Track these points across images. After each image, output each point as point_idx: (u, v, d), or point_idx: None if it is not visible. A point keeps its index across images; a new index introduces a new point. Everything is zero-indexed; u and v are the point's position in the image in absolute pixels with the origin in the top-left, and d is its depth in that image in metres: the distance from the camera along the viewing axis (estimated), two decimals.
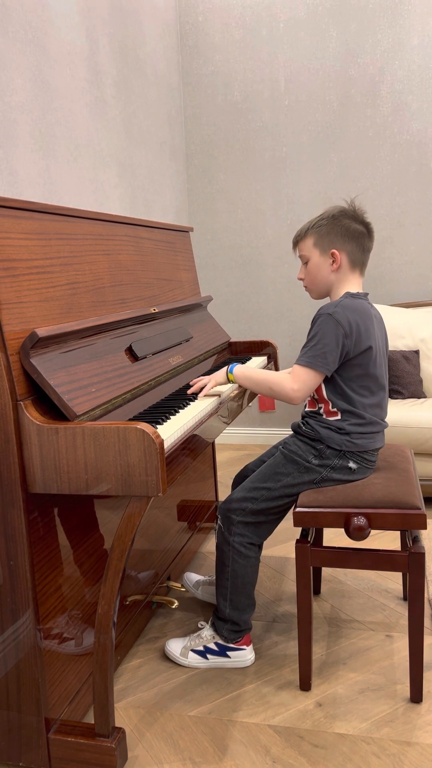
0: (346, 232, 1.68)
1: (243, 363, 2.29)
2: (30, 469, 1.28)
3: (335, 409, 1.67)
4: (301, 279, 1.78)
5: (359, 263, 1.72)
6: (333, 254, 1.68)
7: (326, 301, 1.75)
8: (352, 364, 1.64)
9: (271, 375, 1.70)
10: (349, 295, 1.68)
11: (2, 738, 1.43)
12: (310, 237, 1.72)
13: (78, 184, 2.49)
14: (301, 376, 1.62)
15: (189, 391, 1.77)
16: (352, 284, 1.71)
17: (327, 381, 1.67)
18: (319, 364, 1.60)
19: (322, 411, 1.70)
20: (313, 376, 1.62)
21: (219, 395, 1.78)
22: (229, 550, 1.72)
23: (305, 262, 1.75)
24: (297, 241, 1.77)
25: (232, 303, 3.84)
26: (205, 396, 1.76)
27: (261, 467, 1.77)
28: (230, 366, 1.81)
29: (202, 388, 1.78)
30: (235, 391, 1.91)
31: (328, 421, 1.68)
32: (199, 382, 1.80)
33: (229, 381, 1.80)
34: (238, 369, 1.79)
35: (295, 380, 1.63)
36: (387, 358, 1.77)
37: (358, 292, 1.70)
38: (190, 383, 1.83)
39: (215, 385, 1.80)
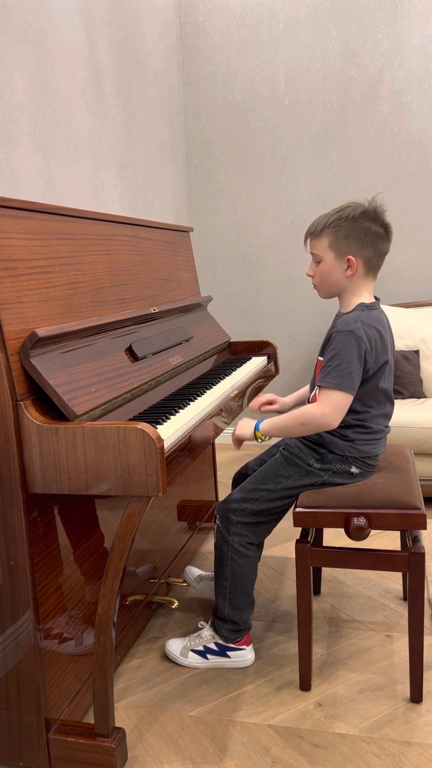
0: (365, 236, 1.58)
1: (243, 363, 2.29)
2: (30, 469, 1.28)
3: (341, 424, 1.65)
4: (310, 275, 1.69)
5: (375, 268, 1.64)
6: (349, 260, 1.60)
7: (334, 302, 1.71)
8: (368, 382, 1.60)
9: (297, 413, 1.60)
10: (363, 306, 1.61)
11: (2, 738, 1.43)
12: (326, 236, 1.61)
13: (78, 184, 2.49)
14: (331, 398, 1.54)
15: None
16: (365, 291, 1.64)
17: None
18: (347, 384, 1.53)
19: None
20: (342, 397, 1.54)
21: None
22: (227, 550, 1.72)
23: (317, 261, 1.66)
24: (309, 237, 1.66)
25: (232, 303, 3.84)
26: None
27: (261, 468, 1.77)
28: (257, 423, 1.72)
29: (206, 385, 1.75)
30: (235, 392, 1.91)
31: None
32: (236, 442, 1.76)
33: (257, 438, 1.72)
34: (265, 424, 1.70)
35: (324, 404, 1.54)
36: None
37: (372, 303, 1.64)
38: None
39: (239, 439, 1.75)
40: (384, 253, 1.64)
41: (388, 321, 1.68)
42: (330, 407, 1.54)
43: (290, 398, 1.95)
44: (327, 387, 1.55)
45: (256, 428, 1.70)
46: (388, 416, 1.70)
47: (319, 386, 1.57)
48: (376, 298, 1.69)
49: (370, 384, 1.61)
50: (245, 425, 1.74)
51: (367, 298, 1.65)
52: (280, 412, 1.86)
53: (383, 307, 3.27)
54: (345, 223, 1.59)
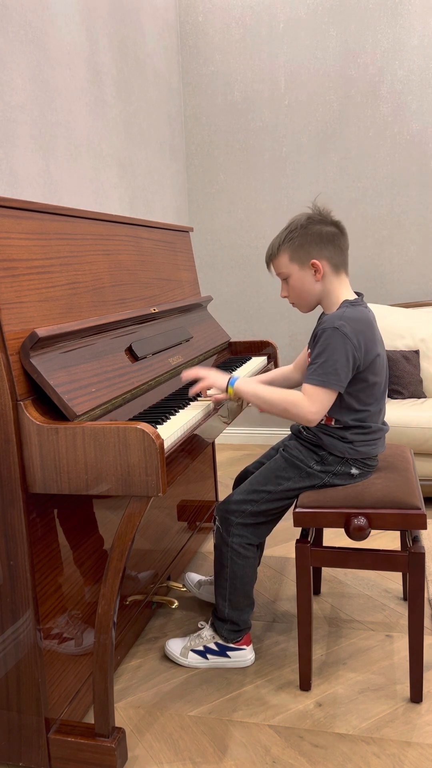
0: (320, 238, 1.60)
1: (243, 364, 2.28)
2: (30, 469, 1.28)
3: (338, 425, 1.65)
4: (285, 297, 1.70)
5: (342, 265, 1.64)
6: (313, 264, 1.61)
7: (319, 311, 1.71)
8: (359, 378, 1.59)
9: (287, 395, 1.59)
10: (348, 303, 1.61)
11: (2, 738, 1.43)
12: (284, 253, 1.64)
13: (78, 184, 2.49)
14: (318, 396, 1.53)
15: (190, 391, 1.71)
16: (342, 288, 1.64)
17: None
18: (333, 381, 1.53)
19: (323, 421, 1.67)
20: (328, 395, 1.54)
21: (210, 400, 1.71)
22: (227, 550, 1.71)
23: (284, 279, 1.67)
24: (270, 261, 1.69)
25: (232, 303, 3.84)
26: (200, 400, 1.68)
27: (261, 469, 1.76)
28: (231, 378, 1.68)
29: (196, 381, 1.71)
30: None
31: (330, 429, 1.66)
32: (192, 372, 1.71)
33: (227, 393, 1.69)
34: (242, 384, 1.66)
35: (312, 402, 1.54)
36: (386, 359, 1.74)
37: (355, 299, 1.64)
38: (182, 377, 1.74)
39: (209, 386, 1.70)
40: (345, 248, 1.65)
41: (374, 316, 1.66)
42: (317, 405, 1.54)
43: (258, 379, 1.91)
44: (313, 384, 1.54)
45: (231, 384, 1.67)
46: (383, 412, 1.70)
47: (306, 383, 1.56)
48: (359, 294, 1.68)
49: (364, 379, 1.60)
50: (219, 375, 1.70)
51: (347, 295, 1.64)
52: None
53: (383, 307, 3.28)
54: (296, 234, 1.62)
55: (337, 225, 1.64)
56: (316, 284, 1.63)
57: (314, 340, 1.62)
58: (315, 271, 1.62)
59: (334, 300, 1.64)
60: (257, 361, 2.36)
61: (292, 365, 1.92)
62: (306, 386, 1.56)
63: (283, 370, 1.93)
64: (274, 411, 1.60)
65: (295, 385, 1.93)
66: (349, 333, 1.53)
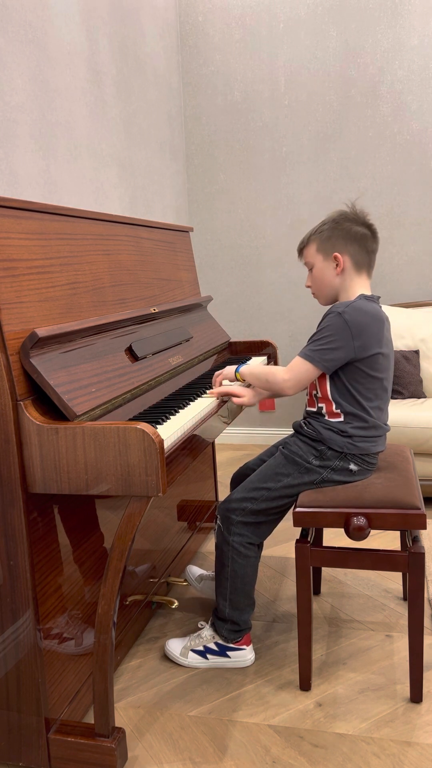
0: (348, 234, 1.67)
1: (244, 363, 2.29)
2: (30, 469, 1.28)
3: (338, 410, 1.66)
4: (308, 287, 1.78)
5: (365, 265, 1.70)
6: (335, 257, 1.68)
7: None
8: (360, 368, 1.62)
9: (268, 368, 1.73)
10: (363, 297, 1.66)
11: (2, 738, 1.43)
12: (313, 243, 1.72)
13: (78, 184, 2.49)
14: (296, 368, 1.63)
15: (210, 392, 1.81)
16: (360, 287, 1.69)
17: (333, 381, 1.65)
18: (317, 359, 1.60)
19: (324, 411, 1.68)
20: (307, 369, 1.62)
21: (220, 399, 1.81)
22: (228, 550, 1.72)
23: (310, 269, 1.75)
24: (301, 249, 1.77)
25: (232, 303, 3.84)
26: (213, 395, 1.79)
27: (260, 467, 1.77)
28: (237, 367, 1.83)
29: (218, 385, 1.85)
30: None
31: (331, 423, 1.67)
32: (217, 381, 1.85)
33: (237, 380, 1.83)
34: (245, 367, 1.82)
35: (288, 370, 1.64)
36: (393, 361, 1.76)
37: (372, 295, 1.68)
38: (212, 383, 1.88)
39: (222, 379, 1.84)
40: (371, 251, 1.71)
41: (387, 317, 1.69)
42: (291, 374, 1.64)
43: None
44: (299, 356, 1.63)
45: (237, 370, 1.82)
46: (385, 411, 1.71)
47: (297, 355, 1.64)
48: (376, 297, 1.72)
49: (364, 372, 1.62)
50: (228, 368, 1.85)
51: (365, 292, 1.69)
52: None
53: (383, 307, 3.28)
54: (327, 227, 1.70)
55: (369, 227, 1.71)
56: (336, 278, 1.70)
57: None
58: (336, 265, 1.68)
59: (351, 296, 1.69)
60: (257, 361, 2.36)
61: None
62: (295, 358, 1.64)
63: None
64: (260, 383, 1.73)
65: None
66: (349, 320, 1.58)
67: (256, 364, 1.89)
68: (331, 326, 1.59)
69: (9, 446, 1.27)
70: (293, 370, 1.63)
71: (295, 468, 1.69)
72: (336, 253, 1.67)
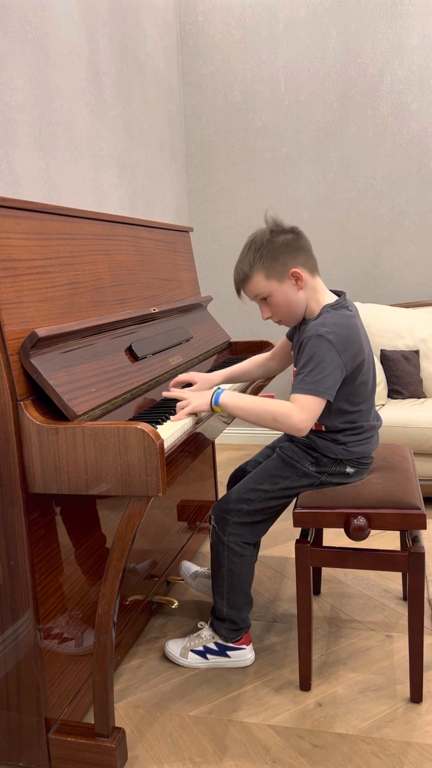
0: (288, 247, 1.57)
1: (219, 391, 2.17)
2: (30, 469, 1.28)
3: (329, 427, 1.65)
4: (268, 317, 1.64)
5: (314, 267, 1.62)
6: (293, 274, 1.57)
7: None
8: (347, 380, 1.57)
9: (275, 405, 1.52)
10: (329, 308, 1.58)
11: (2, 738, 1.43)
12: (259, 272, 1.58)
13: (78, 184, 2.49)
14: (308, 405, 1.49)
15: (172, 419, 1.54)
16: (320, 292, 1.62)
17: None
18: (322, 390, 1.49)
19: (314, 428, 1.67)
20: (318, 404, 1.50)
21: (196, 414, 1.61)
22: (224, 549, 1.71)
23: (263, 299, 1.62)
24: (242, 285, 1.63)
25: (232, 303, 3.84)
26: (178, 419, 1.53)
27: (257, 468, 1.77)
28: (216, 394, 1.58)
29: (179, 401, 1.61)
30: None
31: (323, 433, 1.66)
32: (180, 399, 1.60)
33: (212, 411, 1.59)
34: (227, 397, 1.57)
35: (302, 411, 1.49)
36: (373, 356, 1.71)
37: (336, 300, 1.61)
38: (167, 395, 1.63)
39: (193, 412, 1.57)
40: (310, 249, 1.62)
41: (356, 309, 1.64)
42: (306, 414, 1.49)
43: (217, 375, 1.84)
44: (303, 393, 1.50)
45: (215, 402, 1.58)
46: (373, 408, 1.70)
47: (294, 393, 1.51)
48: (339, 293, 1.65)
49: (350, 384, 1.59)
50: (200, 396, 1.59)
51: (327, 298, 1.62)
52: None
53: (383, 307, 3.27)
54: (265, 250, 1.57)
55: (293, 230, 1.61)
56: (300, 293, 1.60)
57: (299, 350, 1.58)
58: (296, 280, 1.58)
59: (315, 306, 1.62)
60: (226, 386, 2.32)
61: (269, 353, 1.92)
62: (295, 396, 1.52)
63: (257, 359, 1.92)
64: (261, 423, 1.54)
65: (270, 373, 1.93)
66: (333, 340, 1.50)
67: (232, 392, 1.60)
68: (318, 353, 1.50)
69: (9, 446, 1.27)
70: (306, 410, 1.49)
71: (292, 471, 1.69)
72: (292, 269, 1.56)
